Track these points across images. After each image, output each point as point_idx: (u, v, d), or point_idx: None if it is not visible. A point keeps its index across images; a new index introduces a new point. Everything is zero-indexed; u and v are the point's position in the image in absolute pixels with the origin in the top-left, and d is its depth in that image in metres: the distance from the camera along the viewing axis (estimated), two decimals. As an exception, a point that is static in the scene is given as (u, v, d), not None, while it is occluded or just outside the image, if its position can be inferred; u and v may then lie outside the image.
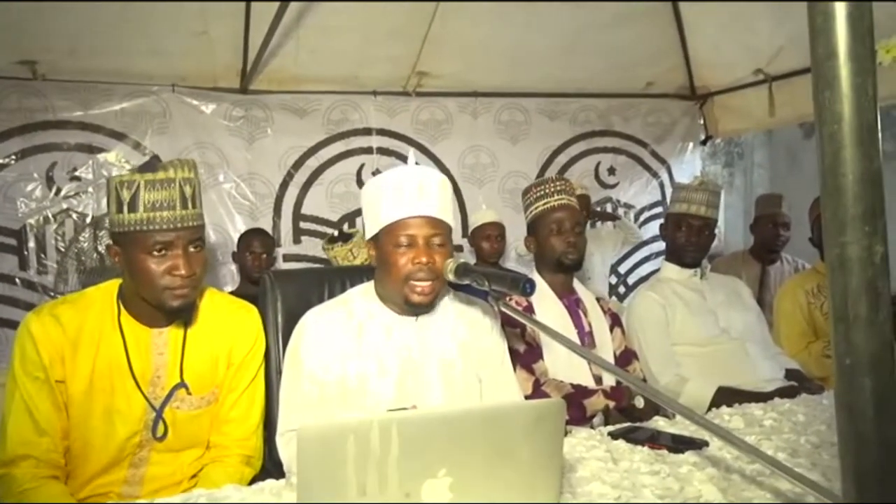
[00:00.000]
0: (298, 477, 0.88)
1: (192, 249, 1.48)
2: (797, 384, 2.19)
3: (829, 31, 0.63)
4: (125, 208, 1.42)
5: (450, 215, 1.56)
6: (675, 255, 2.44)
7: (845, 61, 0.62)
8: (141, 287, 1.48)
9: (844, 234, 0.63)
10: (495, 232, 3.69)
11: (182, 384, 1.56)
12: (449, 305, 1.65)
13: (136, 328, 1.55)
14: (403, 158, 4.09)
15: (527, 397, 1.86)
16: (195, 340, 1.60)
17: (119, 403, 1.51)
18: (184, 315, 1.57)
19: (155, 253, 1.44)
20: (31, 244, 3.42)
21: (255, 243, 3.41)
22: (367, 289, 1.63)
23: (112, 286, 1.58)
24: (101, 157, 3.51)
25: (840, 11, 0.62)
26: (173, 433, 1.57)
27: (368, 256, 1.60)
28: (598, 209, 4.43)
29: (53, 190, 3.45)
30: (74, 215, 3.48)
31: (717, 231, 2.54)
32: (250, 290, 3.12)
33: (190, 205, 1.46)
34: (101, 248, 3.44)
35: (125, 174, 1.46)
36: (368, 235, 1.58)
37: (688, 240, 2.37)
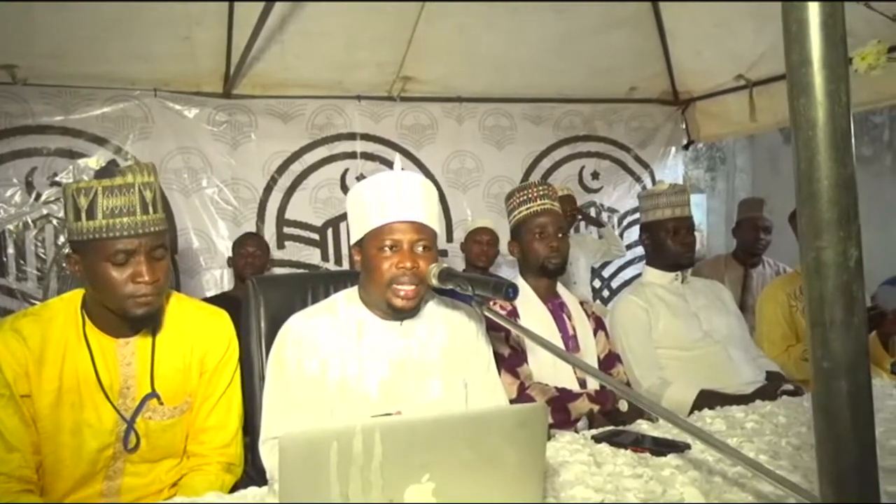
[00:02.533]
0: (280, 484, 0.88)
1: (154, 255, 1.44)
2: (774, 384, 2.21)
3: (804, 38, 0.64)
4: (83, 216, 1.38)
5: (435, 221, 1.56)
6: (665, 259, 2.44)
7: (819, 68, 0.63)
8: (103, 296, 1.44)
9: (820, 238, 0.64)
10: (486, 237, 3.71)
11: (153, 394, 1.53)
12: (434, 310, 1.65)
13: (101, 339, 1.51)
14: (388, 163, 4.09)
15: (512, 401, 1.86)
16: (164, 349, 1.57)
17: (89, 416, 1.48)
18: (149, 323, 1.54)
19: (116, 261, 1.39)
20: (11, 250, 3.39)
21: (248, 244, 3.46)
22: (351, 294, 1.63)
23: (76, 296, 1.54)
24: (81, 162, 3.48)
25: (814, 20, 0.63)
26: (147, 444, 1.54)
27: (354, 261, 1.60)
28: (585, 212, 4.46)
29: (33, 195, 3.42)
30: (55, 221, 3.45)
31: (698, 234, 2.57)
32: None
33: (151, 210, 1.43)
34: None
35: (82, 181, 1.42)
36: (353, 240, 1.57)
37: (682, 242, 2.39)
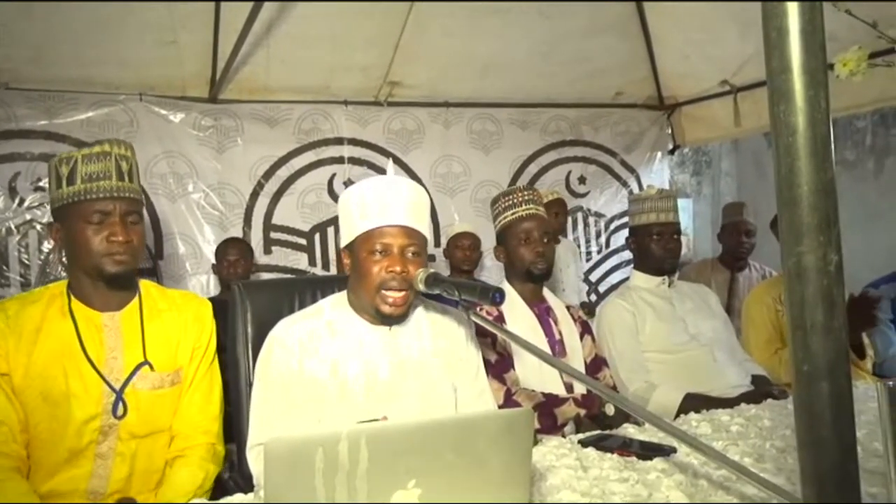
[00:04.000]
0: (266, 491, 0.87)
1: (129, 220, 1.53)
2: (761, 389, 2.23)
3: (783, 46, 0.64)
4: (64, 183, 1.49)
5: (426, 227, 1.56)
6: (650, 263, 2.46)
7: (799, 75, 0.64)
8: (80, 258, 1.52)
9: (801, 243, 0.65)
10: (468, 241, 3.73)
11: (146, 362, 1.59)
12: (423, 315, 1.64)
13: (86, 313, 1.57)
14: (376, 168, 4.08)
15: (498, 407, 1.86)
16: (153, 321, 1.63)
17: (74, 387, 1.51)
18: (124, 286, 1.60)
19: (93, 221, 1.49)
20: (-7, 256, 3.35)
21: (230, 251, 3.42)
22: (339, 299, 1.62)
23: (62, 283, 1.61)
24: (66, 166, 3.44)
25: (793, 27, 0.64)
26: (137, 415, 1.57)
27: (343, 265, 1.59)
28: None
29: (16, 200, 3.38)
30: (38, 226, 3.41)
31: (685, 238, 2.58)
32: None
33: (127, 178, 1.53)
34: (65, 259, 3.39)
35: (64, 153, 1.52)
36: (344, 243, 1.57)
37: (665, 248, 2.41)
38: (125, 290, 1.62)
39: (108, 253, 1.50)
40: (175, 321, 1.66)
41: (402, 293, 1.49)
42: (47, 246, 3.41)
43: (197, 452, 1.61)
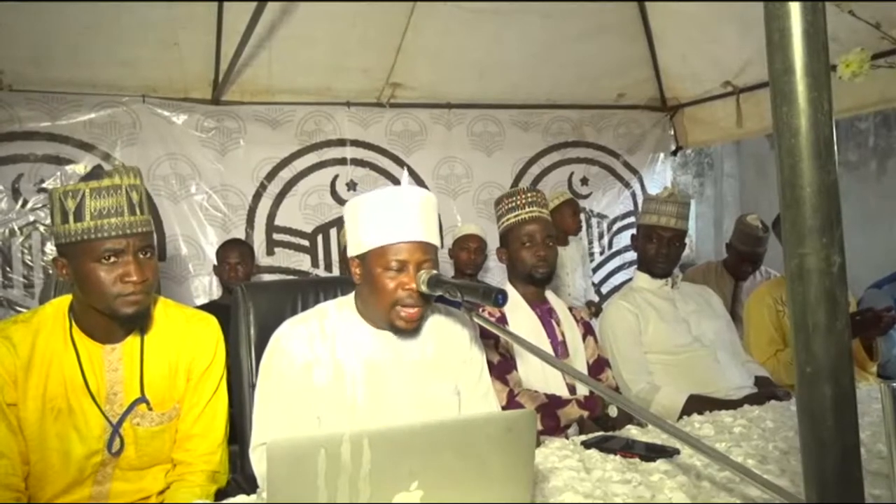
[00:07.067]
0: (268, 492, 0.88)
1: (142, 256, 1.45)
2: (765, 391, 2.23)
3: (786, 47, 0.64)
4: (71, 218, 1.39)
5: (437, 237, 1.55)
6: (647, 265, 2.47)
7: (802, 77, 0.64)
8: (92, 297, 1.44)
9: (803, 245, 0.65)
10: (475, 244, 3.71)
11: (142, 399, 1.53)
12: (427, 318, 1.64)
13: (88, 344, 1.51)
14: (378, 169, 4.09)
15: (501, 408, 1.86)
16: (152, 355, 1.56)
17: (77, 422, 1.48)
18: (137, 324, 1.54)
19: (104, 261, 1.40)
20: (-4, 257, 3.36)
21: (231, 254, 3.39)
22: (344, 302, 1.61)
23: (64, 301, 1.54)
24: (69, 168, 3.46)
25: (796, 29, 0.64)
26: (136, 451, 1.54)
27: (353, 273, 1.57)
28: None
29: (20, 202, 3.39)
30: (41, 228, 3.42)
31: (687, 240, 2.56)
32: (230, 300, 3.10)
33: (138, 211, 1.44)
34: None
35: (69, 184, 1.43)
36: (354, 252, 1.54)
37: (657, 251, 2.40)
38: (133, 324, 1.54)
39: (122, 294, 1.42)
40: (175, 350, 1.59)
41: (417, 308, 1.48)
42: (50, 247, 3.41)
43: (197, 478, 1.58)
